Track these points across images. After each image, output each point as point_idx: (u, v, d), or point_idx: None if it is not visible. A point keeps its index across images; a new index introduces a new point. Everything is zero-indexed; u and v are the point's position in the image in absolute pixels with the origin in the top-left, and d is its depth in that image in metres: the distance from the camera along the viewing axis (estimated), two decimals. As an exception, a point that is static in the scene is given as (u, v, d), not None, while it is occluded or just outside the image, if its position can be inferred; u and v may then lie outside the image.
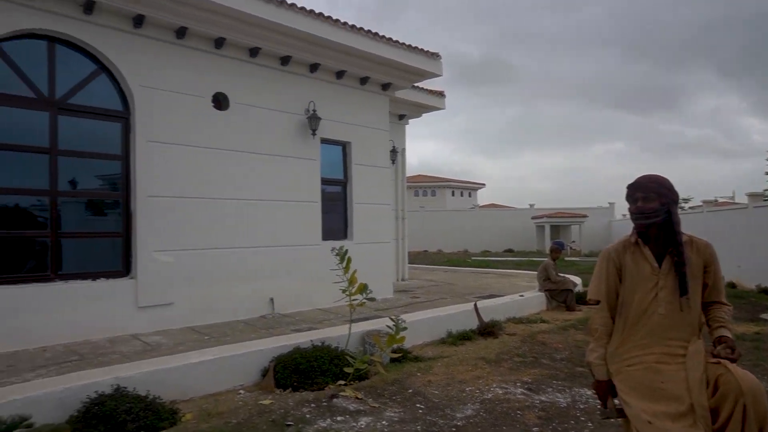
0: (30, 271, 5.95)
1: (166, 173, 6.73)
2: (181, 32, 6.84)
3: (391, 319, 5.13)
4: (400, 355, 5.56)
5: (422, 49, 9.51)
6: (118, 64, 6.41)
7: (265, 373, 5.01)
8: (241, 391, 4.84)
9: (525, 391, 4.77)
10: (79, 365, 5.11)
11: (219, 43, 7.23)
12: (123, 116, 6.57)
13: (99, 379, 4.10)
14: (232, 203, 7.40)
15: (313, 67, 8.40)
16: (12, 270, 5.81)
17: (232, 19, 6.96)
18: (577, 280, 10.55)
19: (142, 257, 6.46)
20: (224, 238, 7.29)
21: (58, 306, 5.83)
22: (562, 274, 9.80)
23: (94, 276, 6.20)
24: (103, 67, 6.43)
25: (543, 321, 8.10)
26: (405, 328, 5.13)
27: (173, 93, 6.86)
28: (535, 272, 10.32)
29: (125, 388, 4.02)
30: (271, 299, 7.72)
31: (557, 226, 31.39)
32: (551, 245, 10.16)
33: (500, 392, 4.74)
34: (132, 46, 6.53)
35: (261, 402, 4.43)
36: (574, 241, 30.51)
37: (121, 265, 6.48)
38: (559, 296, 9.31)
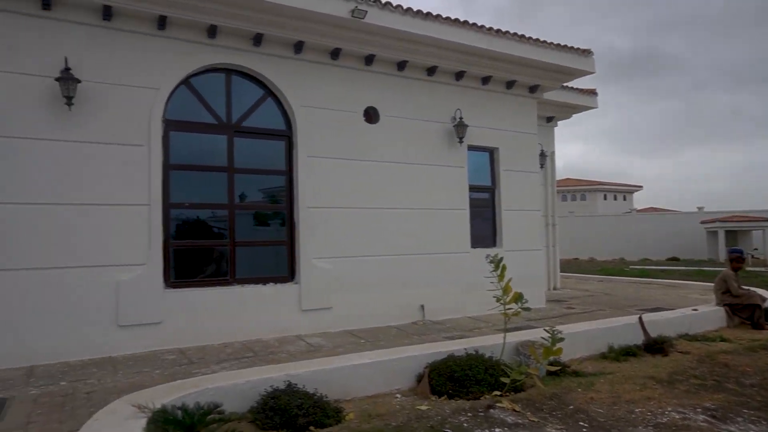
0: (213, 276, 6.75)
1: (323, 185, 7.22)
2: (335, 53, 7.31)
3: (547, 331, 4.92)
4: (557, 368, 5.29)
5: (571, 47, 9.04)
6: (282, 88, 7.04)
7: (420, 378, 5.09)
8: (398, 395, 4.98)
9: (708, 419, 4.25)
10: (253, 361, 5.66)
11: (369, 60, 7.59)
12: (286, 134, 7.19)
13: (273, 375, 4.49)
14: (383, 212, 7.69)
15: (459, 75, 8.43)
16: (200, 274, 6.67)
17: (382, 36, 7.28)
18: (766, 293, 9.17)
19: (304, 264, 6.99)
20: (376, 245, 7.59)
21: (235, 307, 6.54)
22: (745, 287, 8.60)
23: (264, 281, 6.85)
24: (269, 92, 7.11)
25: (723, 339, 7.16)
26: (561, 339, 4.88)
27: (329, 110, 7.35)
28: (710, 284, 9.18)
29: (296, 385, 4.35)
30: (422, 306, 7.85)
31: (734, 231, 27.64)
32: (731, 253, 8.95)
33: (677, 417, 4.27)
34: (293, 70, 7.14)
35: (418, 407, 4.51)
36: (756, 249, 26.58)
37: (287, 271, 7.07)
38: (743, 312, 8.16)
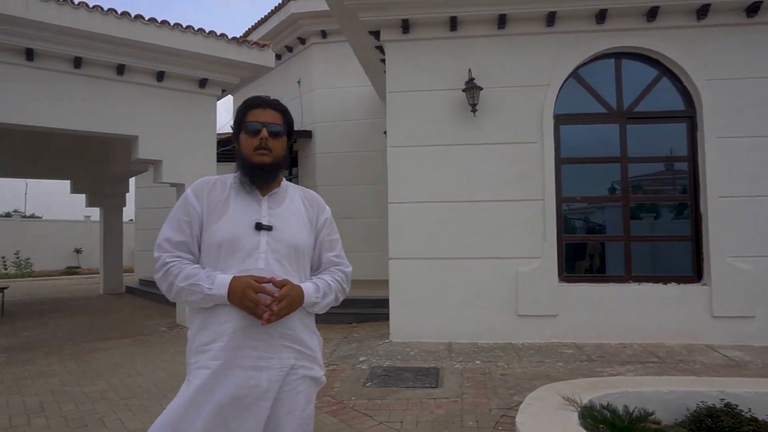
0: (607, 272, 6.47)
1: (738, 170, 6.06)
2: (753, 8, 6.03)
3: None
4: None
5: None
6: (681, 63, 6.21)
7: None
8: None
9: None
10: (661, 368, 5.15)
11: (802, 7, 6.00)
12: (687, 115, 6.33)
13: (704, 390, 3.93)
14: (827, 200, 5.97)
15: None
16: (593, 270, 6.51)
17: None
18: None
19: (715, 263, 6.01)
20: (818, 243, 5.95)
21: (632, 306, 6.10)
22: None
23: (665, 280, 6.18)
24: (665, 70, 6.38)
25: None
26: None
27: (743, 80, 6.12)
28: None
29: (736, 406, 3.70)
30: None
31: None
32: None
33: None
34: (694, 39, 6.22)
35: None
36: None
37: (692, 270, 6.22)
38: None
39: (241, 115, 1.82)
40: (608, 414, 3.50)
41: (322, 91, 11.30)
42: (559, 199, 6.33)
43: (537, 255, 6.24)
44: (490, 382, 4.83)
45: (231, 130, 1.88)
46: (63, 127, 7.31)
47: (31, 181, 28.77)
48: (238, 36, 8.34)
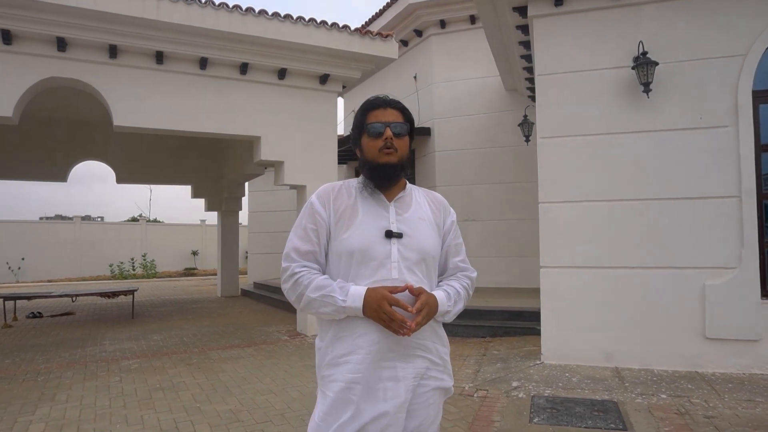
0: (824, 287, 5.14)
1: None
2: None
3: None
4: None
5: None
6: None
7: None
8: None
9: None
10: None
11: None
12: None
13: None
14: None
15: None
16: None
17: None
18: None
19: None
20: None
21: None
22: None
23: None
24: None
25: None
26: None
27: None
28: None
29: None
30: None
31: None
32: None
33: None
34: None
35: None
36: None
37: None
38: None
39: (362, 118, 1.75)
40: None
41: (441, 84, 10.58)
42: (761, 196, 5.10)
43: (731, 265, 5.06)
44: (695, 428, 3.81)
45: (350, 134, 1.79)
46: (191, 129, 7.20)
47: (153, 187, 30.83)
48: (359, 27, 7.86)
